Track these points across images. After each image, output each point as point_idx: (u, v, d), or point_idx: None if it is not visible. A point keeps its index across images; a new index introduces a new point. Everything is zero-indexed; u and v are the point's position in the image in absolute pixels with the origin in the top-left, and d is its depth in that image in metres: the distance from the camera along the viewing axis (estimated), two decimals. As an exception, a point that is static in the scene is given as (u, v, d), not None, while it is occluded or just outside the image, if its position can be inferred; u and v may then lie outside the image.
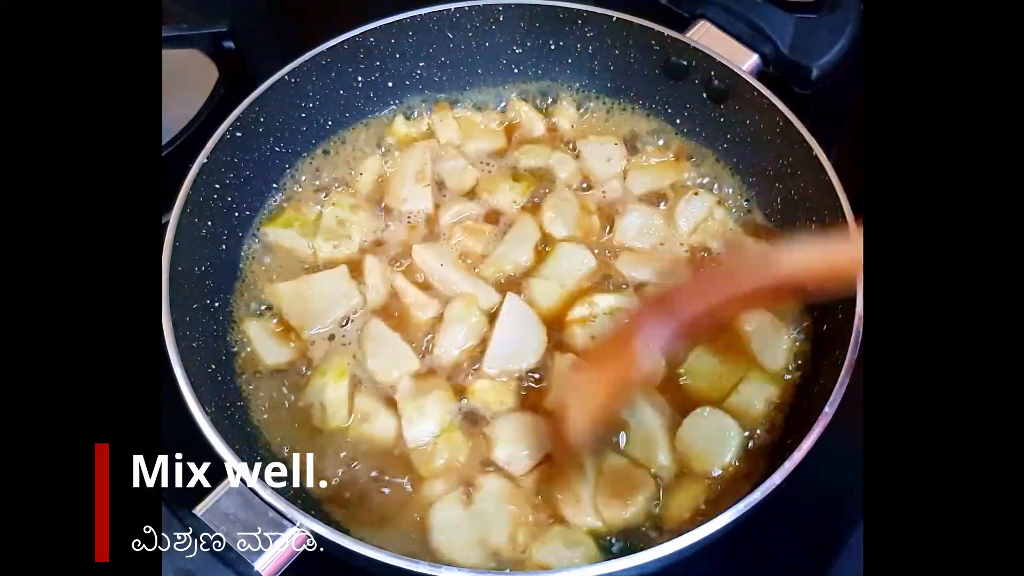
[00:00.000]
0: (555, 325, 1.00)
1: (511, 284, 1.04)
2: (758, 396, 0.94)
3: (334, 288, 1.02)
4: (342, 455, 0.92)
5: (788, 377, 0.97)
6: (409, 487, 0.90)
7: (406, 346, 0.98)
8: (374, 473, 0.91)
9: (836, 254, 0.74)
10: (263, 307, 1.03)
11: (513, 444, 0.92)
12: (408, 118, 1.19)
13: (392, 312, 1.02)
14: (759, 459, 0.91)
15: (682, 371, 0.96)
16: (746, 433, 0.92)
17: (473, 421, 0.95)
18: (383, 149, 1.16)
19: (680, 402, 0.94)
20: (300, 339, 1.00)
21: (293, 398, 0.96)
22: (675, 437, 0.91)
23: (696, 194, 1.10)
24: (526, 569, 0.85)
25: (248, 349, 1.00)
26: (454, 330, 0.99)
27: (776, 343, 0.98)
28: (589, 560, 0.85)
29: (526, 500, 0.89)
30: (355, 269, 1.04)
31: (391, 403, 0.95)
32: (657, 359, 0.77)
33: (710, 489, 0.90)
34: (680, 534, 0.75)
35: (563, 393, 0.91)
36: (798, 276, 0.74)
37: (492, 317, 1.00)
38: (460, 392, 0.96)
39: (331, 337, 1.00)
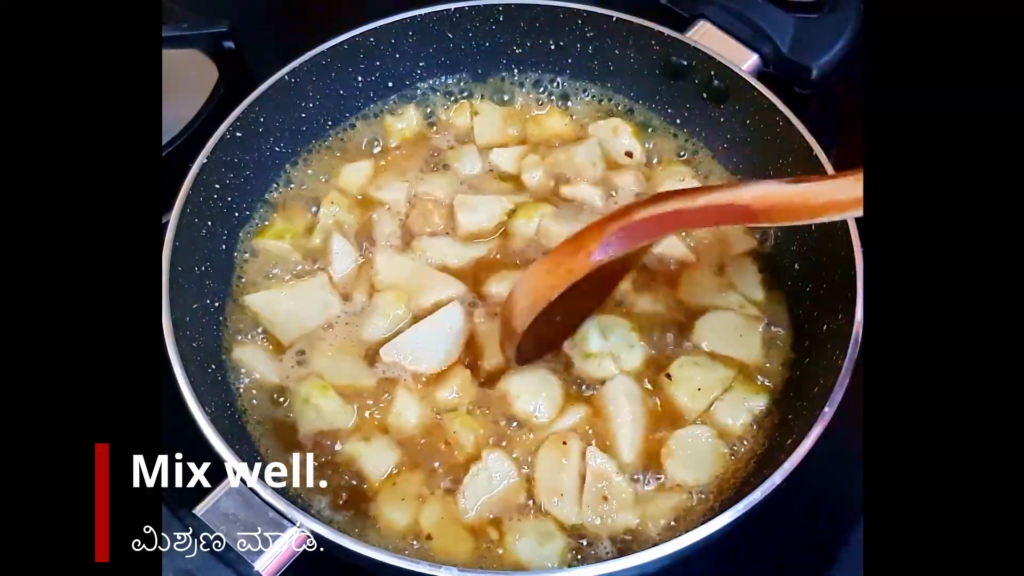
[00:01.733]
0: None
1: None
2: (742, 407, 0.94)
3: (312, 298, 1.02)
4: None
5: (772, 384, 0.96)
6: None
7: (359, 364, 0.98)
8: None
9: (797, 195, 0.75)
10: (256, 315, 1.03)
11: (530, 394, 0.94)
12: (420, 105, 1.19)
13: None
14: (742, 470, 0.91)
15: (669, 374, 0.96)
16: (728, 449, 0.92)
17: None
18: (380, 148, 1.16)
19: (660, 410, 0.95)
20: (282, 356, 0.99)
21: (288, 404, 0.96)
22: (661, 448, 0.92)
23: (683, 180, 1.11)
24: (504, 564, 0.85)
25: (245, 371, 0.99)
26: (375, 321, 1.00)
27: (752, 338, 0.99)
28: (559, 556, 0.85)
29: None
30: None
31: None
32: (609, 254, 0.77)
33: (687, 503, 0.89)
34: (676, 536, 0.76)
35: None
36: (756, 205, 0.75)
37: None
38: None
39: (300, 359, 0.99)
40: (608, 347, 0.97)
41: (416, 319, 1.00)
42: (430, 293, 1.02)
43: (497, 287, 1.02)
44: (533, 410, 0.93)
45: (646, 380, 0.96)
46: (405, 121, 1.17)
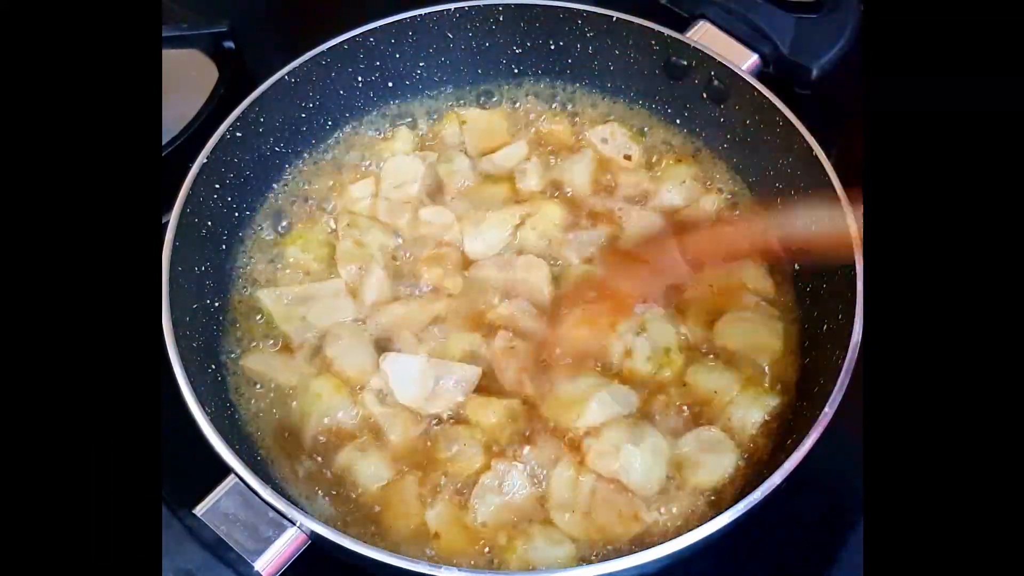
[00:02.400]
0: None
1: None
2: (756, 408, 0.93)
3: (326, 300, 1.02)
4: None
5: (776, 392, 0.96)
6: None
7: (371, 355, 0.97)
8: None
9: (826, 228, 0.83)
10: (259, 315, 1.02)
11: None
12: (412, 128, 1.18)
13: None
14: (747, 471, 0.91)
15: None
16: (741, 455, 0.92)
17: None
18: (370, 163, 1.15)
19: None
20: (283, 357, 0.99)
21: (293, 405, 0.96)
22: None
23: (683, 182, 1.11)
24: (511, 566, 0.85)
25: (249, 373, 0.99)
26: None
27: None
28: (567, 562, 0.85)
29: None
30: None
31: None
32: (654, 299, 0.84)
33: (700, 507, 0.89)
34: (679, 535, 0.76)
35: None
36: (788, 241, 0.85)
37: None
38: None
39: (303, 361, 0.99)
40: (629, 341, 0.96)
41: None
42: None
43: (509, 313, 1.00)
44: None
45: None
46: (400, 140, 1.16)
